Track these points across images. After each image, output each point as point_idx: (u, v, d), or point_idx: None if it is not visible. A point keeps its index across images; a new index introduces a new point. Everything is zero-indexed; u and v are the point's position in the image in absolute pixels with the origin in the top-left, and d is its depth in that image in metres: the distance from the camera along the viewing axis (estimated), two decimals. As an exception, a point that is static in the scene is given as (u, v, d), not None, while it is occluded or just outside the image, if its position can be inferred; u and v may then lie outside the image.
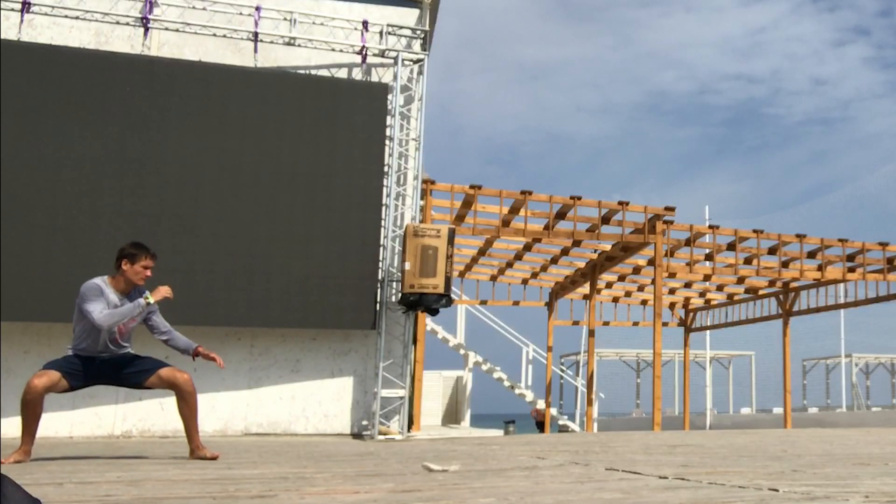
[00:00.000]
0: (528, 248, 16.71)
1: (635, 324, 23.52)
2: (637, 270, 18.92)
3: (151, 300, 5.32)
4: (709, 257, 16.00)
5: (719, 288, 20.33)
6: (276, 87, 10.84)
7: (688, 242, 15.20)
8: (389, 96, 11.23)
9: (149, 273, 5.37)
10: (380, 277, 10.92)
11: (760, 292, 20.40)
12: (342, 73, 11.51)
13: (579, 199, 13.44)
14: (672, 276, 17.55)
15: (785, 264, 16.12)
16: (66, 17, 10.46)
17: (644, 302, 22.05)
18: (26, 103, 9.85)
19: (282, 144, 10.69)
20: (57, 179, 9.89)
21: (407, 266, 10.35)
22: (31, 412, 5.13)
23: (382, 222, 11.02)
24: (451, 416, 21.10)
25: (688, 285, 20.42)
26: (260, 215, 10.50)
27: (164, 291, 5.37)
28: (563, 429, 22.94)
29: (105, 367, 5.36)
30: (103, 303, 5.21)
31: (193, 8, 10.77)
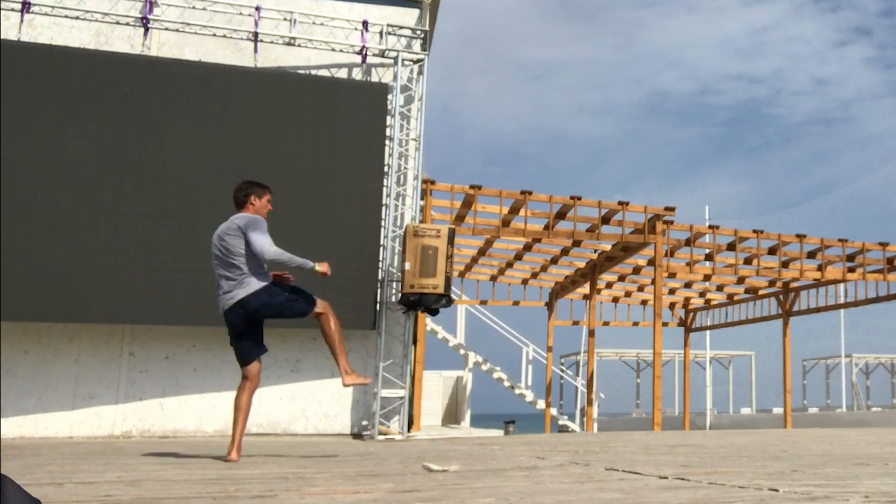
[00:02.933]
0: (528, 248, 16.71)
1: (635, 324, 23.52)
2: (637, 270, 18.92)
3: (317, 268, 5.42)
4: (709, 257, 16.00)
5: (719, 288, 20.34)
6: (276, 87, 10.83)
7: (688, 242, 15.20)
8: (389, 96, 11.23)
9: (270, 207, 5.49)
10: (380, 277, 10.92)
11: (760, 292, 20.40)
12: (342, 73, 11.51)
13: (579, 199, 13.44)
14: (672, 276, 17.56)
15: (785, 264, 16.12)
16: (66, 17, 10.46)
17: (644, 302, 22.05)
18: (26, 103, 9.85)
19: (282, 144, 10.69)
20: (57, 179, 9.88)
21: (407, 266, 10.34)
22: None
23: (382, 222, 11.02)
24: (451, 416, 21.08)
25: (688, 285, 20.42)
26: (260, 215, 10.48)
27: (326, 268, 5.50)
28: (563, 429, 22.95)
29: (237, 322, 5.44)
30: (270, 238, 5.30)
31: (193, 8, 10.77)
